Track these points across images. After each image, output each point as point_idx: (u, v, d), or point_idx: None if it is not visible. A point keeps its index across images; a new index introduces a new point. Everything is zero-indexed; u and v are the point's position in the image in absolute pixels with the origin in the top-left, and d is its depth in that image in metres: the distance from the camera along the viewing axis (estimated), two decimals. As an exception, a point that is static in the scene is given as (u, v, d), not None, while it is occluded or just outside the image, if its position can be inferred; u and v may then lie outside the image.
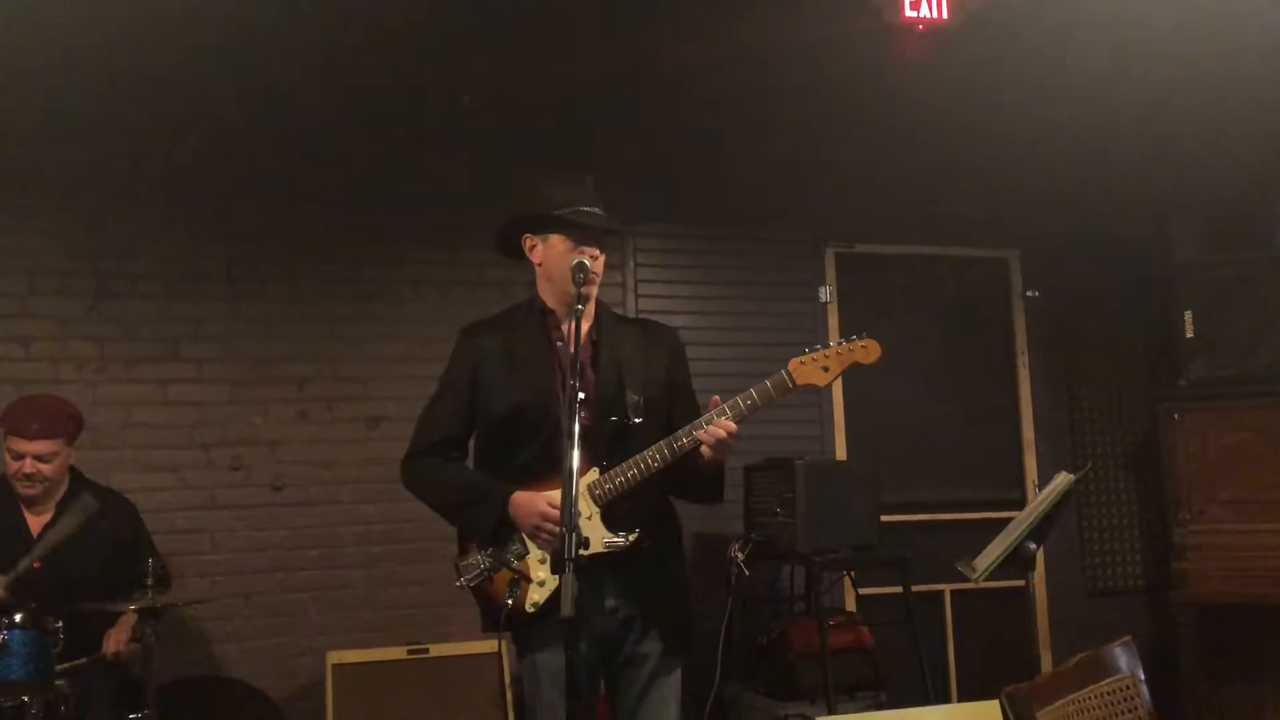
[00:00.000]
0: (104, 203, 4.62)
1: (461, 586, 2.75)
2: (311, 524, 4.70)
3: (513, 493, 2.70)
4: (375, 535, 4.75)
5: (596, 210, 2.79)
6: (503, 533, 2.72)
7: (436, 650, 4.37)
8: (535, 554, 2.69)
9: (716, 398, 2.65)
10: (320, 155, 4.86)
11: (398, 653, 4.34)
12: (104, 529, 3.90)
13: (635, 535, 2.64)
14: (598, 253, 2.75)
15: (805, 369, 2.69)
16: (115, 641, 3.70)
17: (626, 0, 4.83)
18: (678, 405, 2.83)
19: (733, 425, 2.62)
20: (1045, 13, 4.78)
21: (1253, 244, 5.19)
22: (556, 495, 2.63)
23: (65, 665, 3.46)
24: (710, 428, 2.61)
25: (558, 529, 2.59)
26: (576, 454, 2.34)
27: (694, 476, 2.72)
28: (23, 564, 3.52)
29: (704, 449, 2.63)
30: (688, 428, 2.65)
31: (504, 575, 2.69)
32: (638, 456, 2.65)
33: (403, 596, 4.75)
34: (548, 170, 2.92)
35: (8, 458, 3.85)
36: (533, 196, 2.83)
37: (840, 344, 2.72)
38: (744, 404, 2.64)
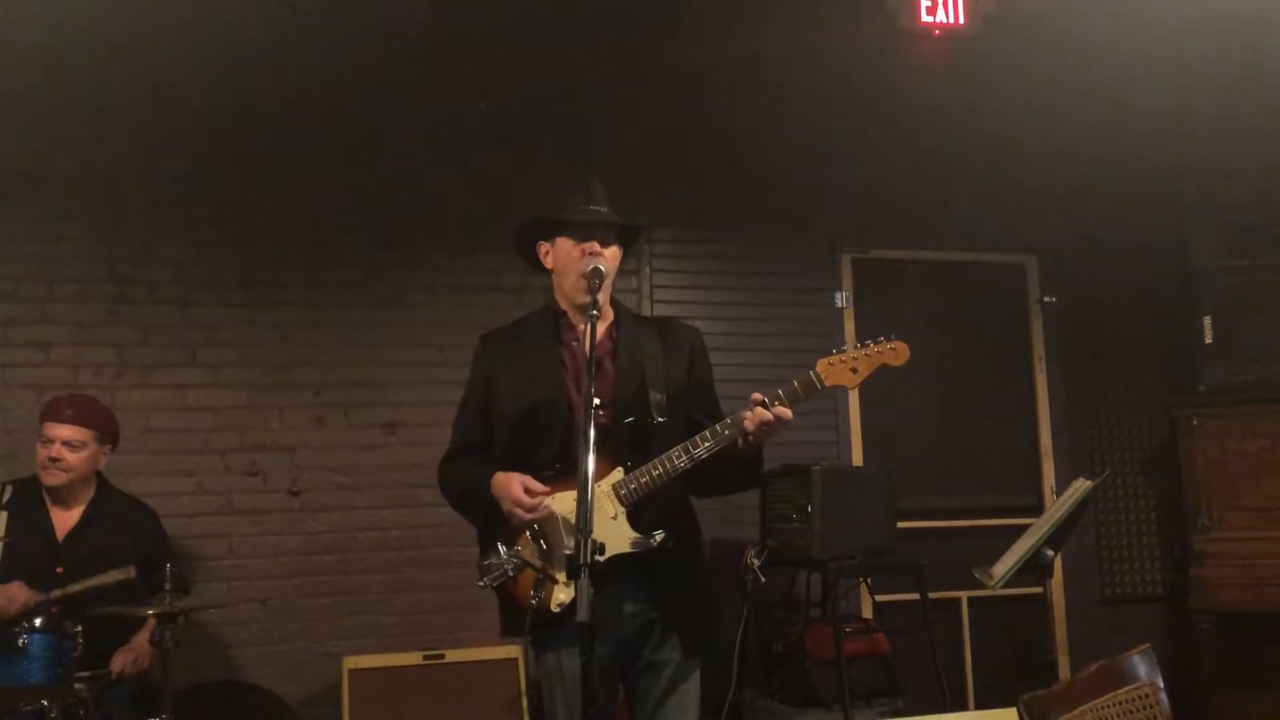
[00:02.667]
0: (122, 209, 4.65)
1: (484, 586, 2.74)
2: (328, 529, 4.72)
3: (495, 475, 2.73)
4: (392, 540, 4.76)
5: (601, 209, 2.80)
6: (497, 519, 2.73)
7: (453, 655, 4.37)
8: (559, 554, 2.68)
9: (758, 395, 2.62)
10: (337, 161, 4.88)
11: (414, 658, 4.34)
12: (126, 537, 3.93)
13: (662, 536, 2.64)
14: (599, 248, 2.75)
15: (834, 370, 2.67)
16: (122, 662, 3.73)
17: (642, 4, 4.84)
18: (699, 404, 2.84)
19: (787, 412, 2.59)
20: (1061, 17, 4.77)
21: (1272, 249, 5.15)
22: (553, 504, 2.67)
23: (83, 674, 3.48)
24: (760, 410, 2.58)
25: (527, 514, 2.64)
26: (592, 458, 2.33)
27: (731, 463, 2.69)
28: (54, 593, 3.54)
29: (748, 426, 2.59)
30: (717, 425, 2.64)
31: (528, 575, 2.68)
32: (663, 456, 2.64)
33: (419, 602, 4.76)
34: (557, 176, 2.93)
35: (39, 446, 3.90)
36: (541, 203, 2.88)
37: (869, 345, 2.70)
38: (773, 402, 2.62)
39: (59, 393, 4.18)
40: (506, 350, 2.89)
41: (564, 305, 2.87)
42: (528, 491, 2.65)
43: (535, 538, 2.70)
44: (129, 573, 3.57)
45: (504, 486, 2.69)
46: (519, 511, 2.65)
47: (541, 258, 2.88)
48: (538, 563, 2.67)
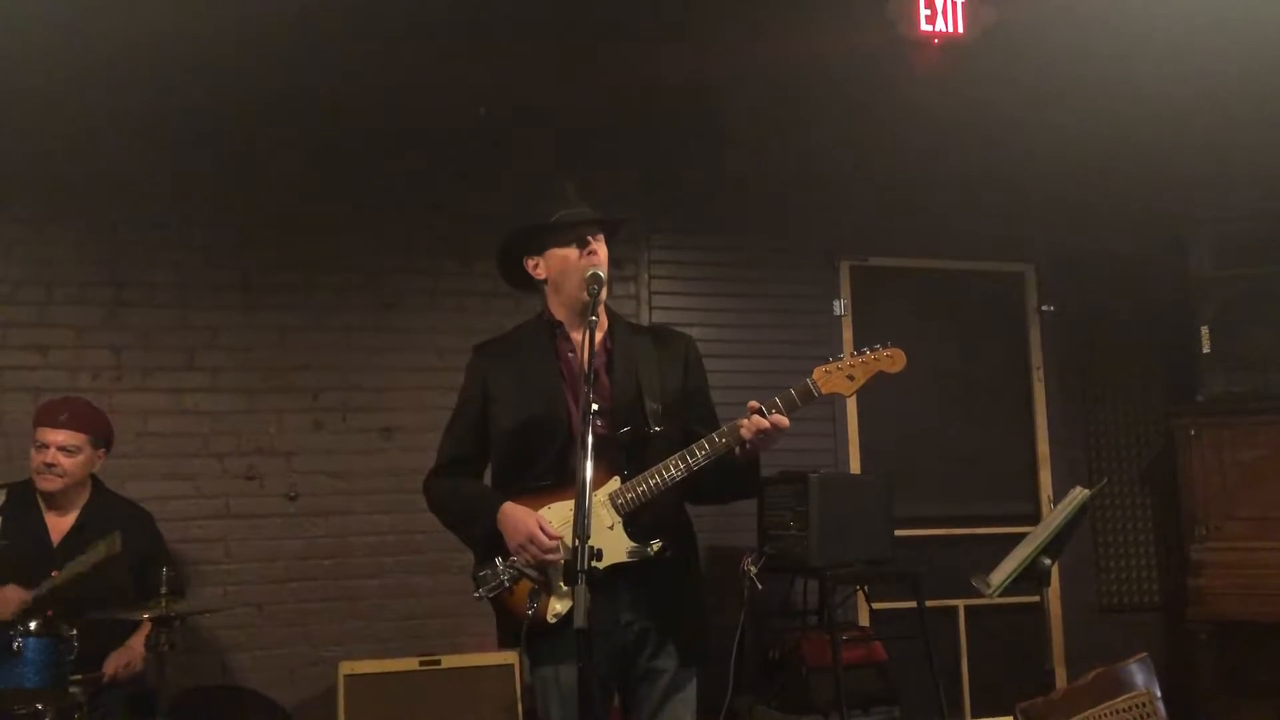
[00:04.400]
0: (122, 212, 4.65)
1: (480, 597, 2.72)
2: (325, 534, 4.71)
3: (504, 504, 2.69)
4: (388, 546, 4.76)
5: (584, 210, 2.80)
6: (500, 544, 2.70)
7: (449, 661, 4.35)
8: (556, 564, 2.66)
9: (754, 403, 2.61)
10: (336, 166, 4.89)
11: (410, 663, 4.33)
12: (122, 541, 3.92)
13: (660, 545, 2.63)
14: (594, 247, 2.75)
15: (831, 378, 2.67)
16: (115, 665, 3.72)
17: (644, 12, 4.85)
18: (695, 412, 2.83)
19: (784, 420, 2.58)
20: (1059, 28, 4.79)
21: (1270, 259, 5.16)
22: (550, 514, 2.65)
23: (76, 677, 3.48)
24: (756, 419, 2.57)
25: (542, 554, 2.59)
26: (590, 465, 2.32)
27: (729, 471, 2.68)
28: (45, 585, 3.54)
29: (744, 434, 2.59)
30: (714, 434, 2.63)
31: (524, 585, 2.67)
32: (660, 464, 2.63)
33: (415, 607, 4.75)
34: (530, 192, 2.92)
35: (33, 451, 3.88)
36: (521, 221, 2.86)
37: (865, 352, 2.69)
38: (770, 410, 2.61)
39: (55, 396, 4.18)
40: (503, 362, 2.86)
41: (559, 315, 2.84)
42: (545, 531, 2.61)
43: None
44: (114, 543, 3.55)
45: (519, 522, 2.64)
46: (533, 549, 2.60)
47: (531, 271, 2.85)
48: (534, 573, 2.66)
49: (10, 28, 4.32)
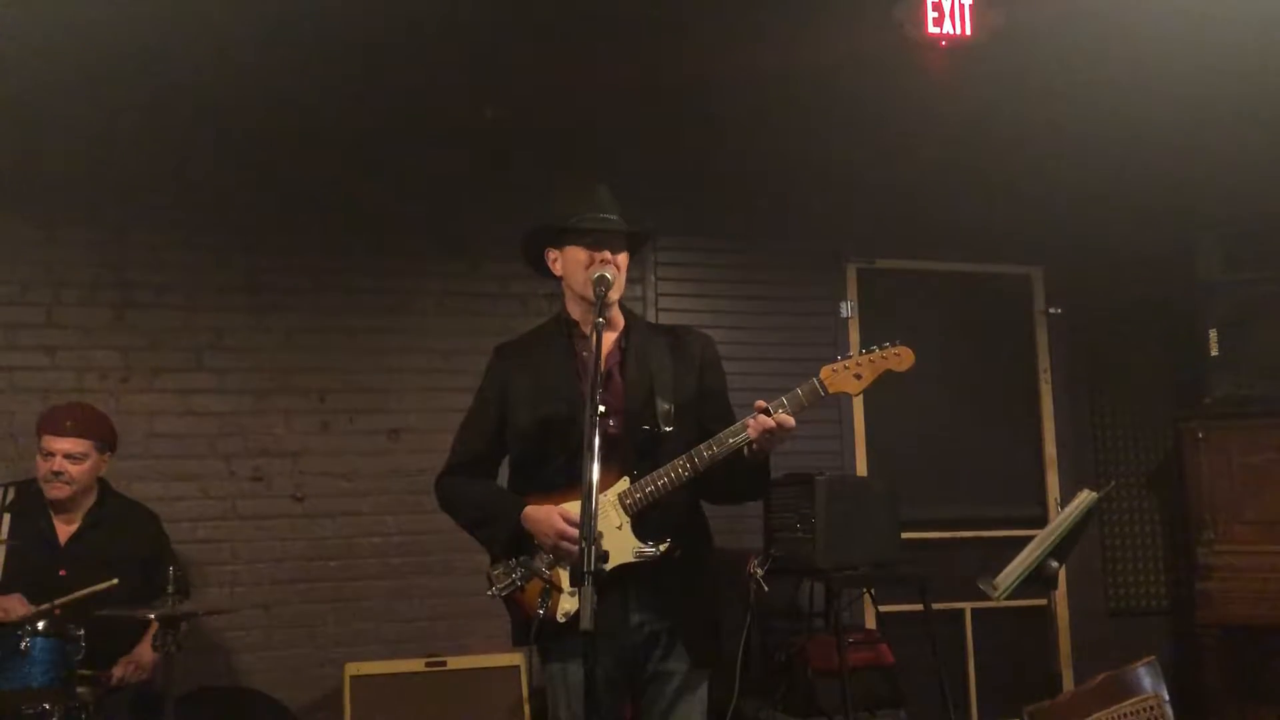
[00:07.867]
0: (129, 214, 4.66)
1: (493, 595, 2.72)
2: (331, 535, 4.72)
3: (524, 507, 2.69)
4: (395, 547, 4.77)
5: (610, 216, 2.80)
6: (522, 545, 2.70)
7: (454, 663, 4.36)
8: (565, 564, 2.66)
9: (761, 402, 2.60)
10: (344, 167, 4.89)
11: (416, 665, 4.34)
12: (128, 541, 3.93)
13: (667, 545, 2.62)
14: (609, 256, 2.74)
15: (838, 377, 2.66)
16: (123, 672, 3.73)
17: (650, 14, 4.84)
18: (710, 412, 2.81)
19: (789, 419, 2.57)
20: (1068, 29, 4.77)
21: (1278, 262, 5.15)
22: (573, 507, 2.62)
23: (84, 674, 3.49)
24: (761, 418, 2.56)
25: (574, 549, 2.58)
26: (597, 466, 2.31)
27: (738, 472, 2.68)
28: (45, 606, 3.54)
29: (750, 434, 2.58)
30: (722, 434, 2.62)
31: (535, 585, 2.66)
32: (669, 464, 2.63)
33: (421, 609, 4.76)
34: (563, 183, 2.91)
35: (39, 459, 3.88)
36: (548, 210, 2.86)
37: (873, 351, 2.68)
38: (776, 409, 2.60)
39: (62, 398, 4.19)
40: (522, 362, 2.86)
41: (575, 314, 2.85)
42: (569, 522, 2.60)
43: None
44: (110, 583, 3.57)
45: (544, 521, 2.63)
46: (566, 545, 2.58)
47: (550, 265, 2.86)
48: (545, 572, 2.66)
49: (17, 28, 4.33)
